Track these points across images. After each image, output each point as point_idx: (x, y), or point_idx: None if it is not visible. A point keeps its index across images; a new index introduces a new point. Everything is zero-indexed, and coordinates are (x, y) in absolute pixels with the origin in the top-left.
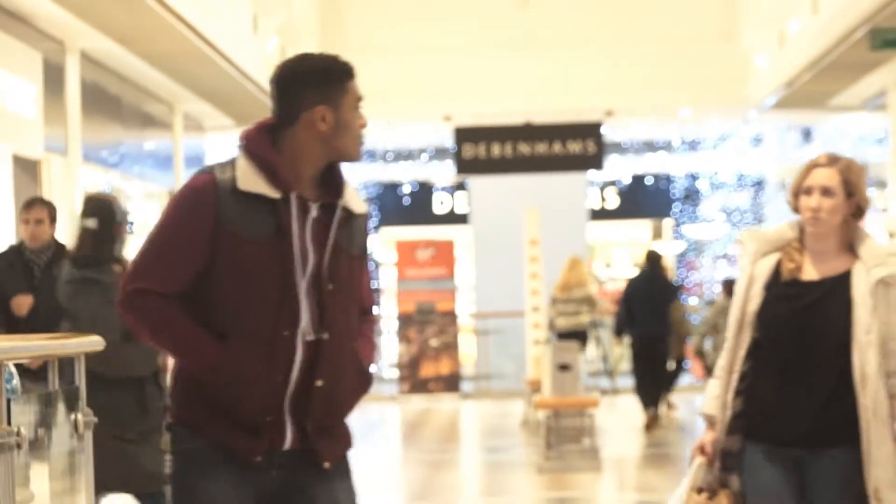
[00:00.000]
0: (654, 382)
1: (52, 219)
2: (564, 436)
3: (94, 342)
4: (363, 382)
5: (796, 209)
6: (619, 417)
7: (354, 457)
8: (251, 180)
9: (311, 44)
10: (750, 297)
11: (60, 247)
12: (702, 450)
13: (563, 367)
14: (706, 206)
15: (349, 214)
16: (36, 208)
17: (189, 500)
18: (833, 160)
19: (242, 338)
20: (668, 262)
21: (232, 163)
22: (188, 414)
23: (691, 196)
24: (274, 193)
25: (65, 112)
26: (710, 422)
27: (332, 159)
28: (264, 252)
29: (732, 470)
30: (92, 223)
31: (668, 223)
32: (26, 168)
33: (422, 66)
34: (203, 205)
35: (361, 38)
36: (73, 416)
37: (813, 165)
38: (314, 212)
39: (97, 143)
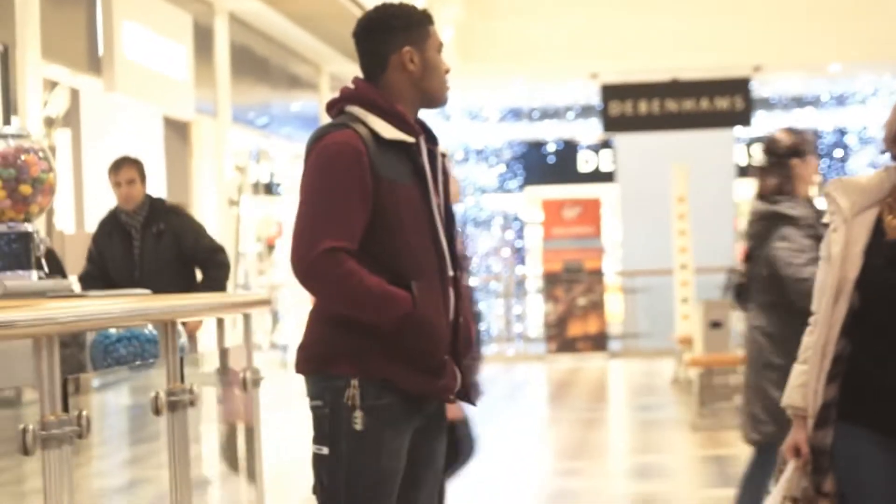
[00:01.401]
0: None
1: (143, 177)
2: (717, 394)
3: (261, 298)
4: (477, 317)
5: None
6: None
7: (505, 416)
8: (388, 129)
9: (456, 4)
10: (847, 262)
11: (156, 202)
12: (795, 451)
13: (715, 325)
14: (855, 162)
15: (444, 157)
16: (125, 168)
17: (377, 456)
18: None
19: (421, 282)
20: None
21: (353, 119)
22: (377, 367)
23: (839, 151)
24: (409, 138)
25: (214, 74)
26: (800, 415)
27: (424, 103)
28: (413, 195)
29: (826, 471)
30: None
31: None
32: (177, 129)
33: (568, 24)
34: (360, 154)
35: None
36: (241, 374)
37: None
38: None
39: (245, 104)
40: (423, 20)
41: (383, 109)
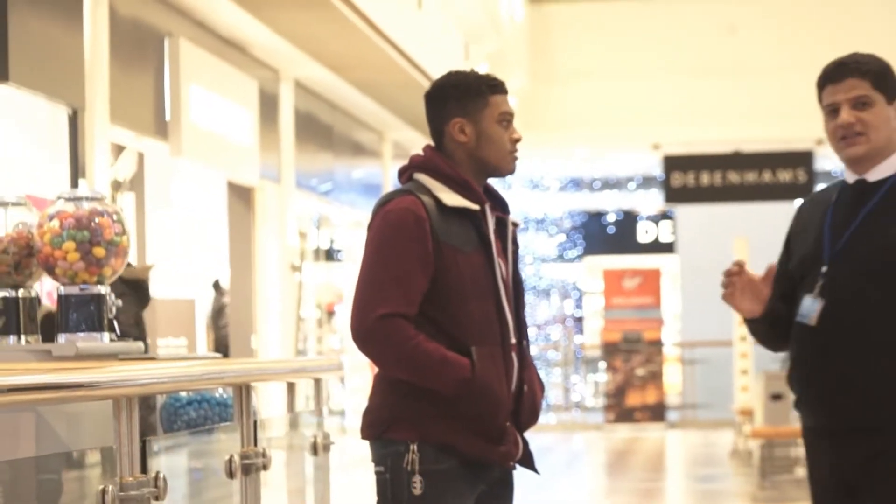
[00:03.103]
0: None
1: None
2: (777, 466)
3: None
4: (543, 387)
5: None
6: None
7: (563, 485)
8: (452, 196)
9: (519, 71)
10: None
11: None
12: None
13: (776, 397)
14: None
15: (514, 227)
16: None
17: None
18: None
19: (481, 349)
20: None
21: (418, 186)
22: (436, 433)
23: None
24: (474, 206)
25: (278, 139)
26: None
27: (486, 173)
28: (476, 262)
29: None
30: None
31: None
32: (241, 194)
33: (630, 94)
34: (422, 221)
35: (570, 66)
36: (312, 439)
37: None
38: (492, 224)
39: (309, 170)
40: (481, 89)
41: (448, 177)
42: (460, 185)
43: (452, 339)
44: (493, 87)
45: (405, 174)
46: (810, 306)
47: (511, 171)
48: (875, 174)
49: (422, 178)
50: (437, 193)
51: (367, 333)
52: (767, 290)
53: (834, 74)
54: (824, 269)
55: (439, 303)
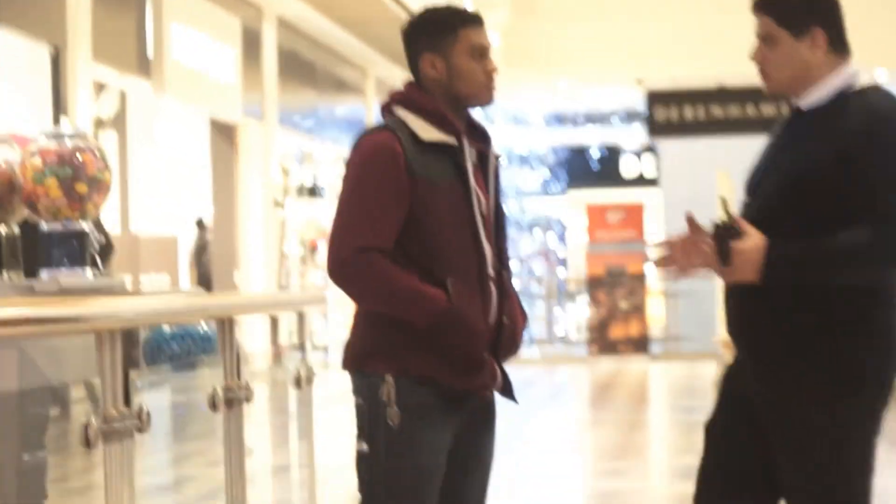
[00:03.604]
0: None
1: None
2: None
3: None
4: (526, 318)
5: None
6: None
7: (547, 417)
8: (428, 130)
9: (503, 5)
10: None
11: None
12: None
13: None
14: None
15: (496, 159)
16: None
17: (415, 452)
18: None
19: (458, 282)
20: None
21: (395, 121)
22: (413, 364)
23: None
24: (451, 140)
25: (261, 77)
26: None
27: (462, 106)
28: (453, 196)
29: None
30: None
31: None
32: (224, 132)
33: (614, 28)
34: (396, 155)
35: (554, 3)
36: (297, 370)
37: None
38: (473, 157)
39: (292, 107)
40: (452, 24)
41: (425, 110)
42: (437, 118)
43: (429, 272)
44: (464, 20)
45: (386, 109)
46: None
47: (488, 103)
48: (806, 99)
49: (400, 112)
50: (414, 127)
51: (341, 268)
52: (702, 236)
53: (752, 7)
54: (746, 200)
55: (416, 236)
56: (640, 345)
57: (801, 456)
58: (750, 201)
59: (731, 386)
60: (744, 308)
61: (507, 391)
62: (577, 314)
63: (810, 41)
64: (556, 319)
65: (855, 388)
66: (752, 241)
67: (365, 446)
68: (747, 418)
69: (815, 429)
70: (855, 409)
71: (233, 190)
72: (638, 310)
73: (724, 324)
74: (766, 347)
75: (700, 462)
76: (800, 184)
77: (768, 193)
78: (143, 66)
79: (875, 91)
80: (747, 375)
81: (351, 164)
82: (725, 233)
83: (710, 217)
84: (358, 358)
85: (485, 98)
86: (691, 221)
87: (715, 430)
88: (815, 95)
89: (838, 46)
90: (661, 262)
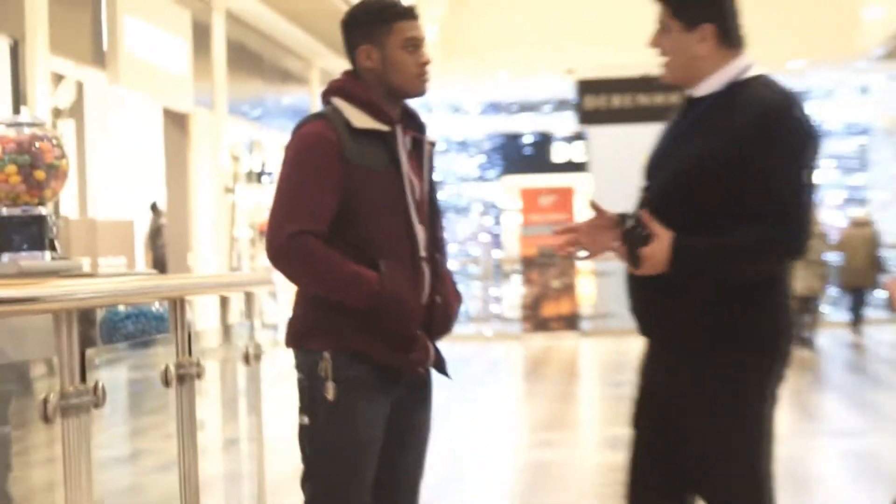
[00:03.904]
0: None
1: None
2: None
3: (264, 278)
4: (460, 298)
5: None
6: None
7: (484, 392)
8: (361, 118)
9: (441, 2)
10: None
11: None
12: None
13: None
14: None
15: (430, 146)
16: None
17: (352, 425)
18: None
19: (391, 264)
20: None
21: (332, 110)
22: (348, 341)
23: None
24: (384, 127)
25: (211, 68)
26: None
27: (396, 95)
28: (387, 181)
29: None
30: None
31: None
32: (176, 121)
33: (545, 21)
34: (330, 143)
35: None
36: (245, 348)
37: None
38: (408, 144)
39: (240, 97)
40: (386, 17)
41: (359, 100)
42: (370, 107)
43: (363, 254)
44: (399, 13)
45: (324, 98)
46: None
47: (420, 93)
48: (699, 90)
49: (337, 101)
50: (348, 116)
51: (278, 251)
52: (605, 220)
53: None
54: (644, 184)
55: (350, 220)
56: (571, 322)
57: (708, 430)
58: (647, 186)
59: (641, 375)
60: (644, 292)
61: (441, 367)
62: (512, 293)
63: (700, 34)
64: (491, 298)
65: (754, 366)
66: (660, 243)
67: (306, 419)
68: (660, 409)
69: (719, 406)
70: (755, 386)
71: (185, 176)
72: (569, 289)
73: (628, 302)
74: (668, 329)
75: (629, 462)
76: (693, 173)
77: (664, 180)
78: (99, 57)
79: (764, 81)
80: (653, 361)
81: (288, 152)
82: (635, 239)
83: (633, 198)
84: (299, 335)
85: (417, 88)
86: (595, 207)
87: (639, 428)
88: (707, 86)
89: (730, 41)
90: (564, 245)
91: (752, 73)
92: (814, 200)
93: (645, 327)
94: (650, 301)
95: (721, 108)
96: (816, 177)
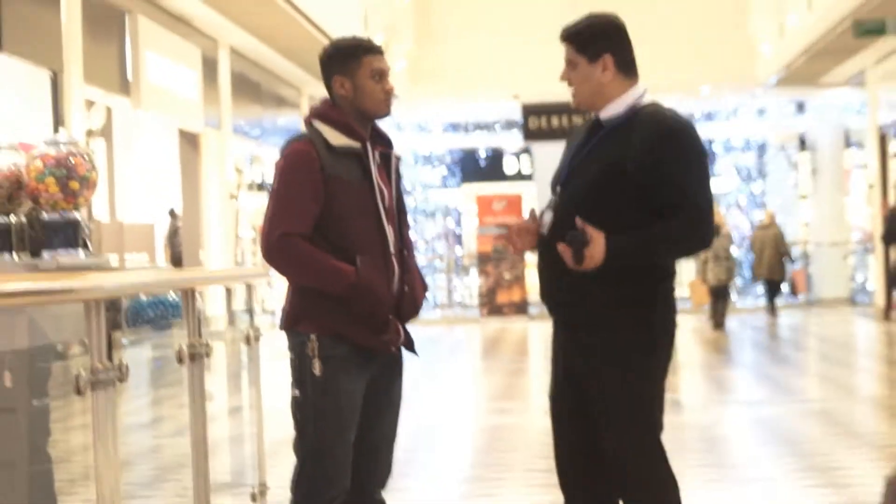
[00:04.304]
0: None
1: None
2: None
3: (261, 272)
4: (425, 287)
5: None
6: None
7: (448, 368)
8: (337, 137)
9: (407, 37)
10: None
11: None
12: None
13: None
14: (720, 165)
15: (397, 159)
16: None
17: (335, 398)
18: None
19: (365, 259)
20: None
21: (313, 131)
22: (331, 325)
23: (708, 157)
24: (356, 144)
25: (218, 95)
26: None
27: (366, 118)
28: (360, 189)
29: None
30: None
31: None
32: (189, 139)
33: (495, 55)
34: (311, 159)
35: (448, 33)
36: (246, 331)
37: None
38: (377, 158)
39: (243, 119)
40: (356, 52)
41: (335, 122)
42: (344, 128)
43: (342, 251)
44: (366, 49)
45: (307, 122)
46: (546, 219)
47: (386, 114)
48: (605, 113)
49: (316, 124)
50: (327, 136)
51: (271, 250)
52: (535, 225)
53: (559, 37)
54: (558, 189)
55: (330, 222)
56: (521, 308)
57: (613, 399)
58: (559, 195)
59: (557, 354)
60: (557, 282)
61: (410, 346)
62: (471, 283)
63: (602, 64)
64: (454, 288)
65: (651, 348)
66: (598, 244)
67: (297, 392)
68: (575, 386)
69: (624, 382)
70: (652, 363)
71: (197, 185)
72: (519, 279)
73: (540, 291)
74: (578, 317)
75: (554, 446)
76: (605, 180)
77: (578, 188)
78: (125, 86)
79: (660, 107)
80: (566, 341)
81: (277, 167)
82: (579, 244)
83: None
84: (290, 320)
85: (383, 111)
86: (532, 213)
87: (557, 406)
88: (612, 109)
89: (626, 69)
90: (499, 241)
91: (653, 98)
92: (714, 199)
93: (556, 310)
94: (563, 290)
95: (626, 128)
96: (714, 182)
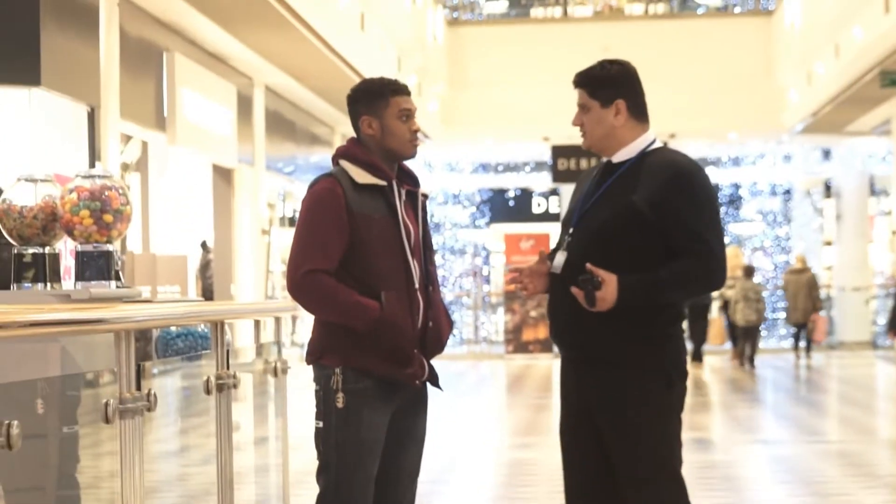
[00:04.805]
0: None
1: None
2: None
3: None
4: (451, 323)
5: None
6: None
7: (472, 402)
8: (363, 175)
9: (440, 80)
10: None
11: None
12: None
13: None
14: (746, 209)
15: (423, 197)
16: None
17: (357, 430)
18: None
19: (390, 294)
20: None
21: (339, 170)
22: (355, 359)
23: (734, 201)
24: (382, 182)
25: (252, 132)
26: None
27: (392, 157)
28: (385, 226)
29: None
30: None
31: None
32: (222, 174)
33: (526, 98)
34: (337, 197)
35: (480, 76)
36: (273, 363)
37: None
38: (403, 196)
39: (276, 155)
40: (384, 92)
41: (361, 161)
42: (370, 166)
43: (367, 286)
44: (394, 90)
45: (334, 160)
46: (559, 259)
47: (412, 155)
48: (617, 157)
49: (343, 162)
50: (352, 174)
51: (296, 287)
52: (545, 268)
53: (573, 83)
54: (571, 230)
55: (356, 258)
56: (547, 345)
57: (631, 437)
58: (571, 236)
59: (569, 391)
60: (574, 320)
61: (434, 381)
62: (497, 320)
63: (615, 109)
64: (481, 324)
65: (667, 385)
66: (610, 286)
67: (320, 423)
68: (587, 421)
69: (641, 420)
70: (668, 400)
71: (230, 220)
72: (544, 317)
73: (550, 329)
74: (597, 354)
75: (564, 477)
76: (618, 222)
77: (592, 229)
78: (160, 122)
79: (671, 150)
80: (580, 378)
81: (303, 204)
82: (591, 286)
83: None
84: (315, 354)
85: (409, 151)
86: (542, 255)
87: (568, 440)
88: (624, 153)
89: (638, 114)
90: (511, 283)
91: (667, 143)
92: (724, 240)
93: (569, 347)
94: (577, 328)
95: (637, 170)
96: (741, 226)
